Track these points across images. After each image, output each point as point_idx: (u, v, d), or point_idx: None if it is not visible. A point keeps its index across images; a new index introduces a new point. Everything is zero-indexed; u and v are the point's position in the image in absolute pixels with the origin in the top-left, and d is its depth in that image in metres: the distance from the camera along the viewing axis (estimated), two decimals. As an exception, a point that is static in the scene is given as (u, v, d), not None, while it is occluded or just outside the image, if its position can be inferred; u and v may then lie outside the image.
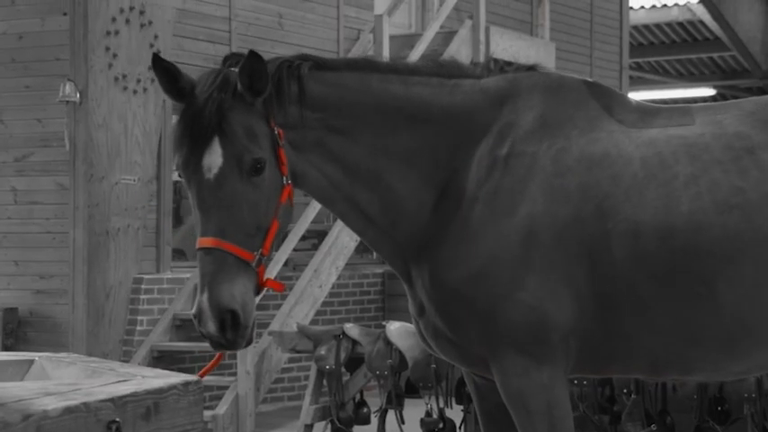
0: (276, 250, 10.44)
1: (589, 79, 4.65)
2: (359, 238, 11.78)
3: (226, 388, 10.38)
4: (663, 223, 4.15)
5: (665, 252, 4.17)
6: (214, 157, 4.04)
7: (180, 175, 4.16)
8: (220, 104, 4.06)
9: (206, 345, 11.32)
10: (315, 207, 11.11)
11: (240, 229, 4.03)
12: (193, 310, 4.00)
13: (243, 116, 4.09)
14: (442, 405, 7.34)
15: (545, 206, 4.24)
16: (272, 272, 10.21)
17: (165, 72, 4.12)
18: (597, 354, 4.31)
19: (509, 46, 14.25)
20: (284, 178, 4.15)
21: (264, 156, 4.09)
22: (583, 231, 4.21)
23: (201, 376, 4.24)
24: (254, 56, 4.05)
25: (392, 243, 4.44)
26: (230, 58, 4.26)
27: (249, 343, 4.06)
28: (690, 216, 4.19)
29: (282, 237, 9.21)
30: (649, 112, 4.45)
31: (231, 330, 3.97)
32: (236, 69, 4.12)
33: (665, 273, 4.19)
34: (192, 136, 4.06)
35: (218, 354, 4.45)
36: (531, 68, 4.58)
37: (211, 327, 3.95)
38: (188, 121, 4.08)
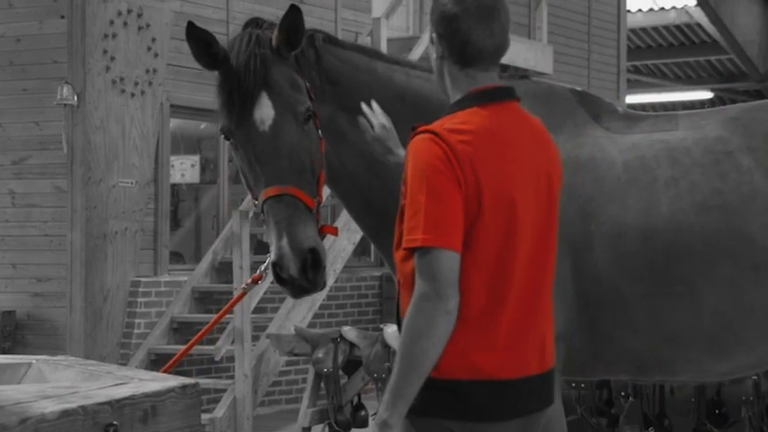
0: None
1: (578, 88, 4.75)
2: (356, 241, 11.80)
3: (223, 391, 10.37)
4: (644, 224, 4.24)
5: (646, 252, 4.25)
6: (266, 110, 4.11)
7: (229, 138, 4.19)
8: (263, 59, 4.12)
9: (203, 347, 11.27)
10: (312, 210, 11.10)
11: (302, 177, 4.10)
12: (273, 258, 4.02)
13: (284, 69, 4.17)
14: (439, 408, 7.32)
15: None
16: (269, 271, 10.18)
17: (199, 40, 4.16)
18: (582, 354, 4.34)
19: (507, 49, 14.23)
20: (319, 132, 4.23)
21: (310, 106, 4.18)
22: (567, 232, 4.24)
23: (165, 371, 4.24)
24: (295, 8, 4.11)
25: (388, 234, 4.46)
26: (251, 23, 4.32)
27: (324, 286, 4.12)
28: (670, 217, 4.27)
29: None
30: (636, 120, 4.56)
31: (312, 270, 4.02)
32: (260, 31, 4.19)
33: (645, 272, 4.25)
34: (241, 93, 4.10)
35: (181, 350, 4.45)
36: (524, 77, 4.72)
37: (293, 269, 3.98)
38: (233, 81, 4.12)
